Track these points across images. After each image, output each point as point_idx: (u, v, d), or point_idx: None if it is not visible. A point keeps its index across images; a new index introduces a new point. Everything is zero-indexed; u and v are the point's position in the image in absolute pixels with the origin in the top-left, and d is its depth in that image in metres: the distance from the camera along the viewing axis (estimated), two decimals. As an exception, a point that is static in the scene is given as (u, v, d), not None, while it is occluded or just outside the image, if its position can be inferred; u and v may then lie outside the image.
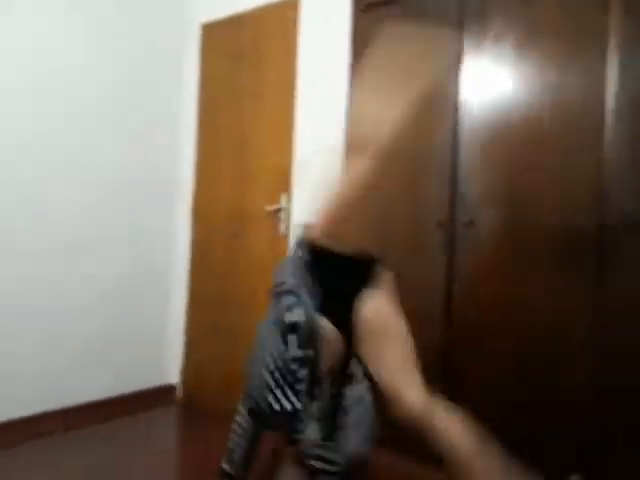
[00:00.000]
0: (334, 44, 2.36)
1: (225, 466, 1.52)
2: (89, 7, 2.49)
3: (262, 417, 1.37)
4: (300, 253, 1.37)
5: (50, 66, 2.36)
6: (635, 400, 1.60)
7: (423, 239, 2.04)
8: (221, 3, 2.84)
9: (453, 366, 1.95)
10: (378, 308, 1.35)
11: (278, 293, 1.34)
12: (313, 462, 1.34)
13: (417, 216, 2.07)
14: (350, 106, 2.27)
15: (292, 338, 1.26)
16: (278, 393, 1.27)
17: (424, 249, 2.03)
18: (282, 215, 2.53)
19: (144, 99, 2.77)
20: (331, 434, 1.35)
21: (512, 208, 1.85)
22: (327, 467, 1.33)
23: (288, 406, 1.26)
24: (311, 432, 1.32)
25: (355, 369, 1.41)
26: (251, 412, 1.47)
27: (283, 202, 2.52)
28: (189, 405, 2.86)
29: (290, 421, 1.28)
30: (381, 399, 1.36)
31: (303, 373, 1.26)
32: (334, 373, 1.38)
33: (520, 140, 1.83)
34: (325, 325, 1.31)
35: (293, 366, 1.26)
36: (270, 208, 2.55)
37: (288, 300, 1.30)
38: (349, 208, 1.34)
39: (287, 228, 2.51)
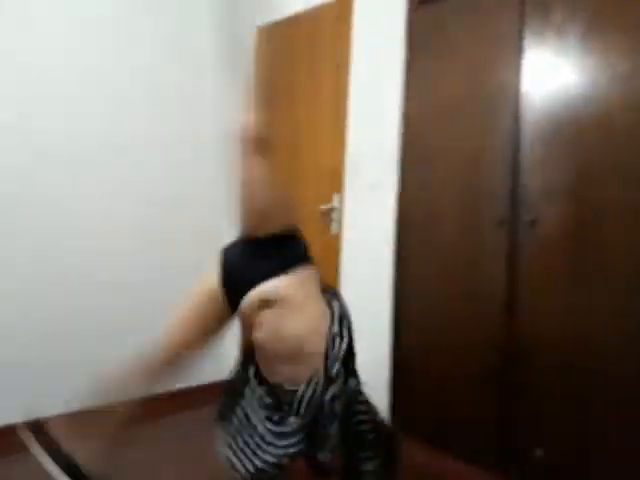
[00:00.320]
0: (388, 42, 2.33)
1: None
2: (157, 11, 2.66)
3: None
4: (241, 246, 1.53)
5: (130, 66, 2.58)
6: None
7: (481, 239, 1.98)
8: (276, 5, 2.88)
9: (514, 372, 1.88)
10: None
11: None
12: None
13: (473, 215, 2.00)
14: (405, 105, 2.24)
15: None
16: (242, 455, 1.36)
17: (482, 250, 1.97)
18: (334, 215, 2.53)
19: (199, 101, 2.88)
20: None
21: (578, 205, 1.75)
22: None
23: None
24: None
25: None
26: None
27: (335, 202, 2.53)
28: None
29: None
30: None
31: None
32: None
33: (588, 133, 1.73)
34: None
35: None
36: (323, 208, 2.57)
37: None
38: (261, 200, 1.44)
39: (339, 227, 2.51)
